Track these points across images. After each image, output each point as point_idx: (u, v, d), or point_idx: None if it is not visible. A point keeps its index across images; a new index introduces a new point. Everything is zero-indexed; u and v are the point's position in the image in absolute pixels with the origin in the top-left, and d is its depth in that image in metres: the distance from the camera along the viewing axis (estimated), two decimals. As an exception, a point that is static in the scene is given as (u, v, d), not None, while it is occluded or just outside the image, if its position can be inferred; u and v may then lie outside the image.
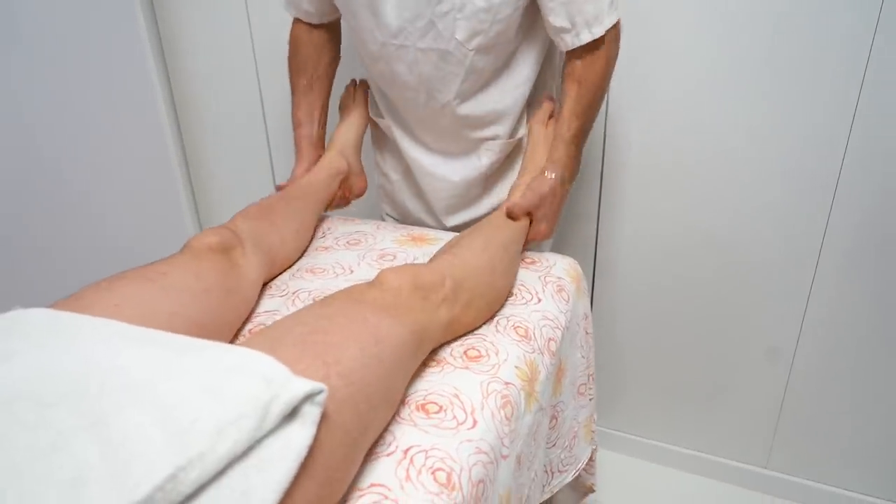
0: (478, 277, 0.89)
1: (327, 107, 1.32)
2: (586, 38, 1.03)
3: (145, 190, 1.86)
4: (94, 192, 1.87)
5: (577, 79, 1.09)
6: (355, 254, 1.11)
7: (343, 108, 1.36)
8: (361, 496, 0.62)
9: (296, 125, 1.29)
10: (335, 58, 1.31)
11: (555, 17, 1.02)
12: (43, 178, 1.86)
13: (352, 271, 1.05)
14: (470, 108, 1.14)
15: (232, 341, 0.86)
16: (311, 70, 1.27)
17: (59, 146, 1.82)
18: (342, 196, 1.31)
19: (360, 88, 1.35)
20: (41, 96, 1.77)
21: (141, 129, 1.78)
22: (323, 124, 1.32)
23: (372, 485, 0.64)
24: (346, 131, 1.32)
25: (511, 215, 1.11)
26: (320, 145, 1.31)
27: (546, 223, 1.15)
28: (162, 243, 1.13)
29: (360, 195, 1.37)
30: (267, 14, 1.62)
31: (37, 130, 1.81)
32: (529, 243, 1.15)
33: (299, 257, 1.13)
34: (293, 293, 0.99)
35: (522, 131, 1.21)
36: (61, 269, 1.93)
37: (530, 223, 1.14)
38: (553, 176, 1.12)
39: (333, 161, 1.28)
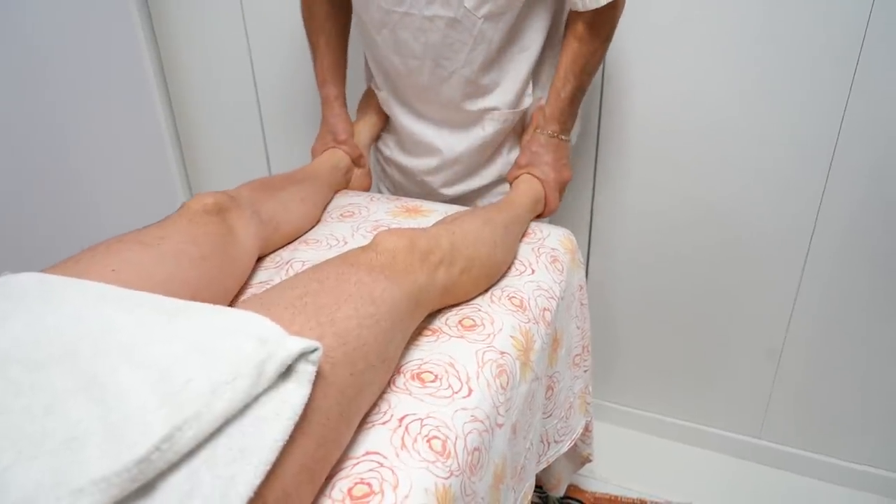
0: (476, 247, 0.89)
1: (346, 64, 1.34)
2: (602, 0, 1.03)
3: (140, 178, 1.84)
4: (88, 181, 1.85)
5: (578, 37, 1.10)
6: (349, 225, 1.11)
7: (360, 110, 1.38)
8: (357, 464, 0.62)
9: (321, 83, 1.31)
10: (350, 13, 1.30)
11: None
12: (36, 169, 1.84)
13: (346, 242, 1.05)
14: (476, 76, 1.13)
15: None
16: (329, 27, 1.27)
17: (53, 137, 1.80)
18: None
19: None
20: (33, 86, 1.74)
21: (135, 117, 1.76)
22: (344, 81, 1.33)
23: (367, 452, 0.64)
24: (360, 130, 1.34)
25: (508, 177, 1.23)
26: (345, 103, 1.34)
27: (553, 171, 1.20)
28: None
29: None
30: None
31: (29, 121, 1.79)
32: (550, 205, 1.21)
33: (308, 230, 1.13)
34: (286, 263, 0.98)
35: (527, 101, 1.20)
36: (55, 255, 1.91)
37: (545, 203, 1.21)
38: (547, 133, 1.19)
39: (339, 155, 1.30)
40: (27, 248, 1.94)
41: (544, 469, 1.16)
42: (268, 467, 0.48)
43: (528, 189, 1.17)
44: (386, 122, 1.36)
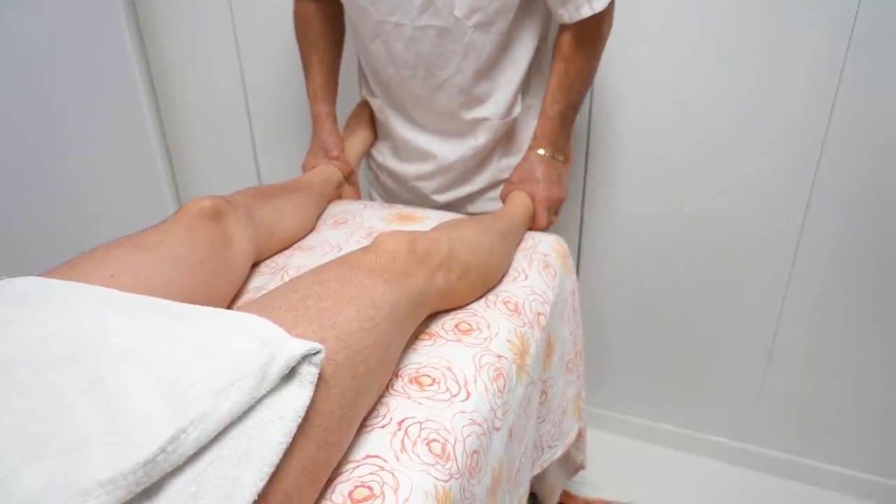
0: (474, 253, 0.89)
1: (338, 81, 1.34)
2: (586, 12, 1.04)
3: (127, 178, 1.84)
4: (74, 181, 1.85)
5: (564, 56, 1.11)
6: (343, 232, 1.11)
7: (349, 126, 1.38)
8: (357, 467, 0.62)
9: (313, 99, 1.31)
10: (343, 31, 1.31)
11: None
12: (23, 174, 1.83)
13: (340, 249, 1.05)
14: (468, 85, 1.14)
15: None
16: (323, 45, 1.28)
17: (41, 140, 1.79)
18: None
19: (367, 109, 1.36)
20: (21, 91, 1.74)
21: (122, 120, 1.75)
22: (335, 99, 1.34)
23: (367, 456, 0.64)
24: (351, 146, 1.35)
25: (501, 194, 1.22)
26: (336, 120, 1.34)
27: (544, 188, 1.19)
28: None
29: None
30: (249, 2, 1.61)
31: (17, 125, 1.78)
32: (539, 221, 1.20)
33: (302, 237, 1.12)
34: (281, 269, 0.98)
35: (516, 111, 1.21)
36: (44, 260, 1.89)
37: (534, 215, 1.20)
38: (537, 152, 1.19)
39: (331, 170, 1.30)
40: (11, 249, 1.93)
41: (538, 478, 1.16)
42: (271, 469, 0.48)
43: (521, 204, 1.18)
44: (375, 138, 1.37)
